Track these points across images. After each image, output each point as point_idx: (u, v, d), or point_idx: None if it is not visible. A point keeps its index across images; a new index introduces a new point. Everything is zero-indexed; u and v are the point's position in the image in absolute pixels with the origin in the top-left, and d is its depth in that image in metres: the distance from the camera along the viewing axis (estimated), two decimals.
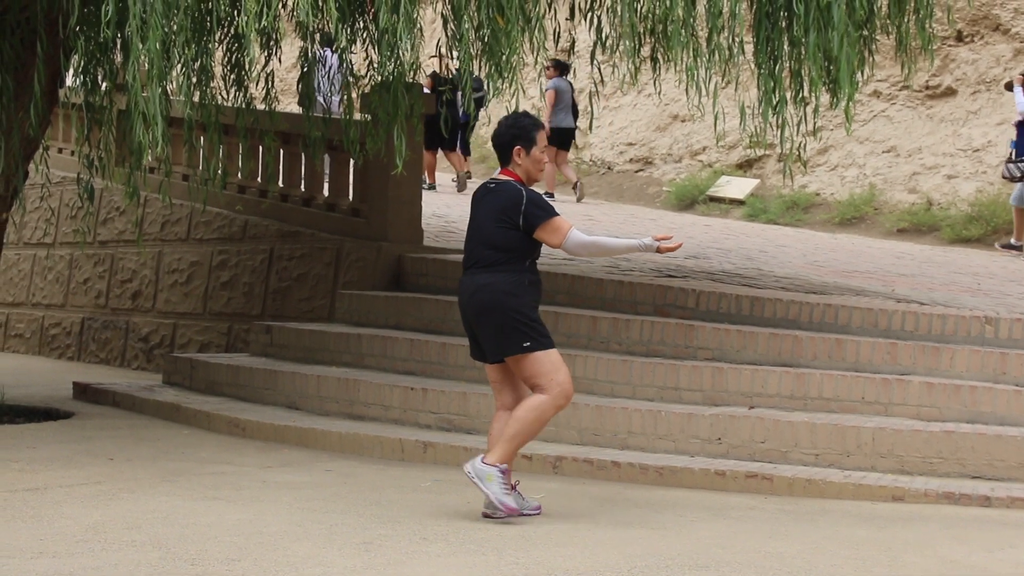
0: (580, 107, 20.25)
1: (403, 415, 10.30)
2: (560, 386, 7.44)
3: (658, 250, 7.41)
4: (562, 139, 19.59)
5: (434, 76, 11.79)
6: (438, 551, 6.66)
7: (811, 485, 8.56)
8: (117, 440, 10.13)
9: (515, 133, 7.61)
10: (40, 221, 17.21)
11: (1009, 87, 16.87)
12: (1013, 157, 16.46)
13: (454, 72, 12.18)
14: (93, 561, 6.27)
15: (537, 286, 7.59)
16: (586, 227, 16.57)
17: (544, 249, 7.68)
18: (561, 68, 19.30)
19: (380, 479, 7.99)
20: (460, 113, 19.65)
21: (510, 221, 7.46)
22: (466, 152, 24.08)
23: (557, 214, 7.51)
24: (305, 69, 11.70)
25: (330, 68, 12.24)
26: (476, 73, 9.99)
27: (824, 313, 10.43)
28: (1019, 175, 16.33)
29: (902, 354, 9.77)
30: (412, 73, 9.85)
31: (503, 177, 7.62)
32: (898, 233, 18.26)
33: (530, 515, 7.54)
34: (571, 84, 20.10)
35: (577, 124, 20.15)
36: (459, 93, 18.31)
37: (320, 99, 12.43)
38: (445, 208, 17.37)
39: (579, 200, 20.21)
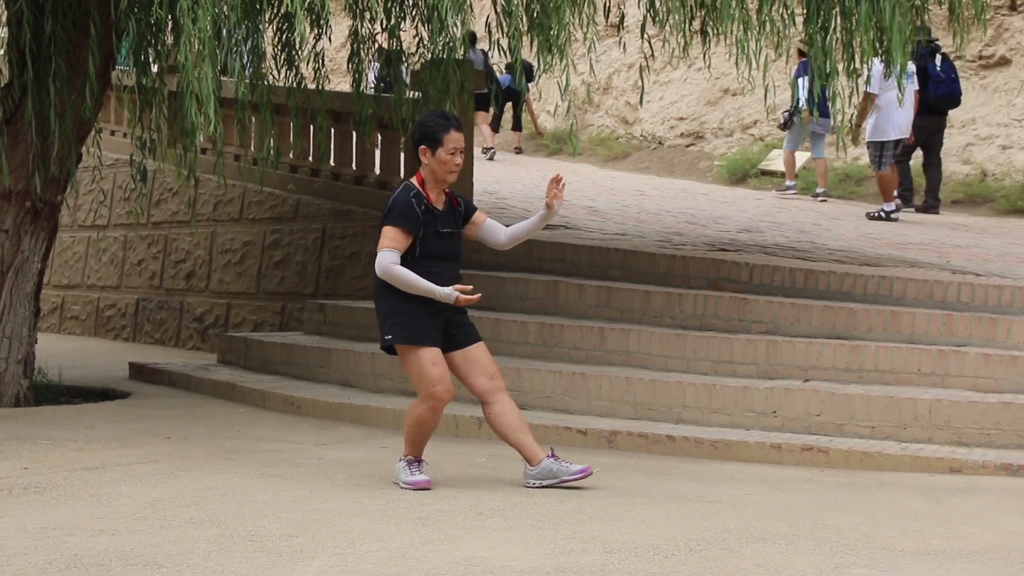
0: (630, 82, 20.14)
1: (457, 391, 10.29)
2: (425, 388, 7.54)
3: (456, 301, 7.41)
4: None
5: (380, 51, 11.72)
6: (494, 526, 6.67)
7: (867, 457, 8.52)
8: (174, 419, 10.20)
9: (422, 132, 7.60)
10: (93, 203, 17.33)
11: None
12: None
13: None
14: (153, 538, 6.31)
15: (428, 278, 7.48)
16: (636, 203, 16.55)
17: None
18: (470, 38, 19.65)
19: (435, 455, 8.00)
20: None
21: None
22: (517, 127, 24.18)
23: (396, 226, 7.44)
24: (355, 47, 11.72)
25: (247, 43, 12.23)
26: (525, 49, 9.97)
27: (879, 285, 10.39)
28: (783, 121, 18.50)
29: (958, 325, 9.71)
30: (462, 50, 9.85)
31: (412, 179, 7.67)
32: (952, 204, 18.11)
33: (573, 480, 7.55)
34: (484, 52, 20.22)
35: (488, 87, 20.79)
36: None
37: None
38: (496, 185, 17.38)
39: (489, 159, 22.01)
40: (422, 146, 7.57)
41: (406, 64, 11.83)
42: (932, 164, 17.41)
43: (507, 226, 7.89)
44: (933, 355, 9.39)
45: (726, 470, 8.41)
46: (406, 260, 7.49)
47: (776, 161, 20.58)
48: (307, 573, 5.73)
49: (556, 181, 7.62)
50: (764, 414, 9.22)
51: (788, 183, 19.01)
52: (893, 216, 16.10)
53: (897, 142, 16.31)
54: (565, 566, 5.86)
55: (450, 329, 7.61)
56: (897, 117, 15.97)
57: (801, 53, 17.47)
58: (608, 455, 8.86)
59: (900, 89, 10.40)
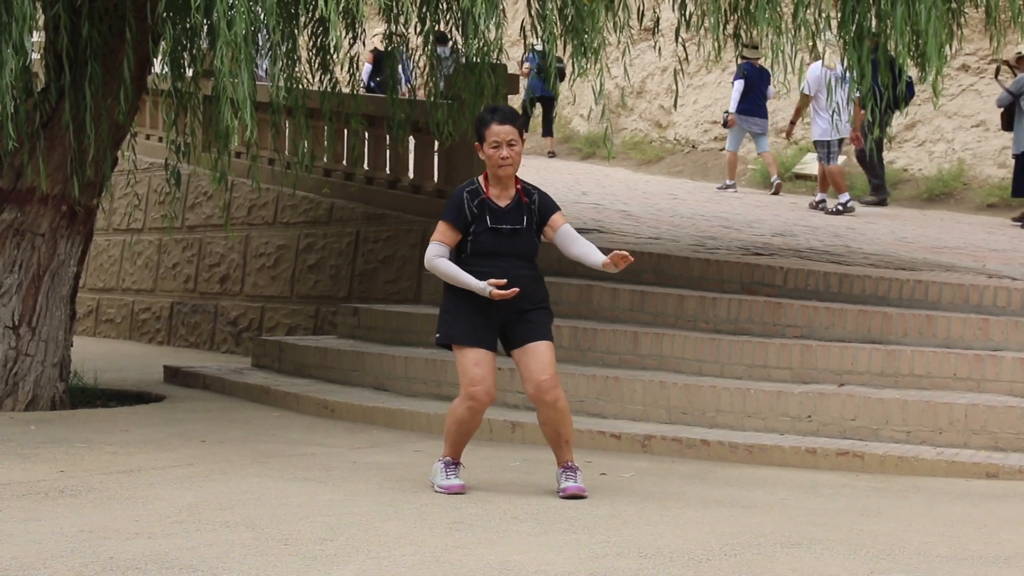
0: (663, 86, 20.16)
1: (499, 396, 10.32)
2: (464, 388, 7.50)
3: (491, 295, 7.35)
4: None
5: (375, 52, 11.74)
6: (529, 530, 6.67)
7: (903, 462, 8.49)
8: (208, 422, 10.23)
9: (475, 127, 7.61)
10: (128, 207, 17.40)
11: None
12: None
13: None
14: (188, 541, 6.33)
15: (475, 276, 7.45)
16: (670, 207, 16.52)
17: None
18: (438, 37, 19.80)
19: (469, 459, 8.00)
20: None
21: None
22: (548, 132, 24.17)
23: (444, 220, 7.48)
24: (389, 49, 11.75)
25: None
26: (560, 52, 9.97)
27: (914, 289, 10.34)
28: (724, 121, 19.78)
29: (994, 330, 9.66)
30: (496, 54, 9.86)
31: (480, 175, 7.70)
32: (988, 208, 18.02)
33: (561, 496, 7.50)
34: (455, 51, 20.38)
35: None
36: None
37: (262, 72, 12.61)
38: None
39: None
40: (476, 142, 7.58)
41: (404, 65, 11.83)
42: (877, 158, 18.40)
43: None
44: (969, 359, 9.35)
45: (761, 474, 8.39)
46: (457, 256, 7.50)
47: (810, 165, 20.52)
48: None
49: (623, 258, 7.38)
50: (799, 418, 9.19)
51: (728, 181, 19.92)
52: (850, 206, 17.09)
53: (841, 140, 17.41)
54: (599, 571, 5.86)
55: (507, 328, 7.53)
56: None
57: (743, 56, 18.15)
58: (642, 459, 8.84)
59: (936, 93, 10.34)
